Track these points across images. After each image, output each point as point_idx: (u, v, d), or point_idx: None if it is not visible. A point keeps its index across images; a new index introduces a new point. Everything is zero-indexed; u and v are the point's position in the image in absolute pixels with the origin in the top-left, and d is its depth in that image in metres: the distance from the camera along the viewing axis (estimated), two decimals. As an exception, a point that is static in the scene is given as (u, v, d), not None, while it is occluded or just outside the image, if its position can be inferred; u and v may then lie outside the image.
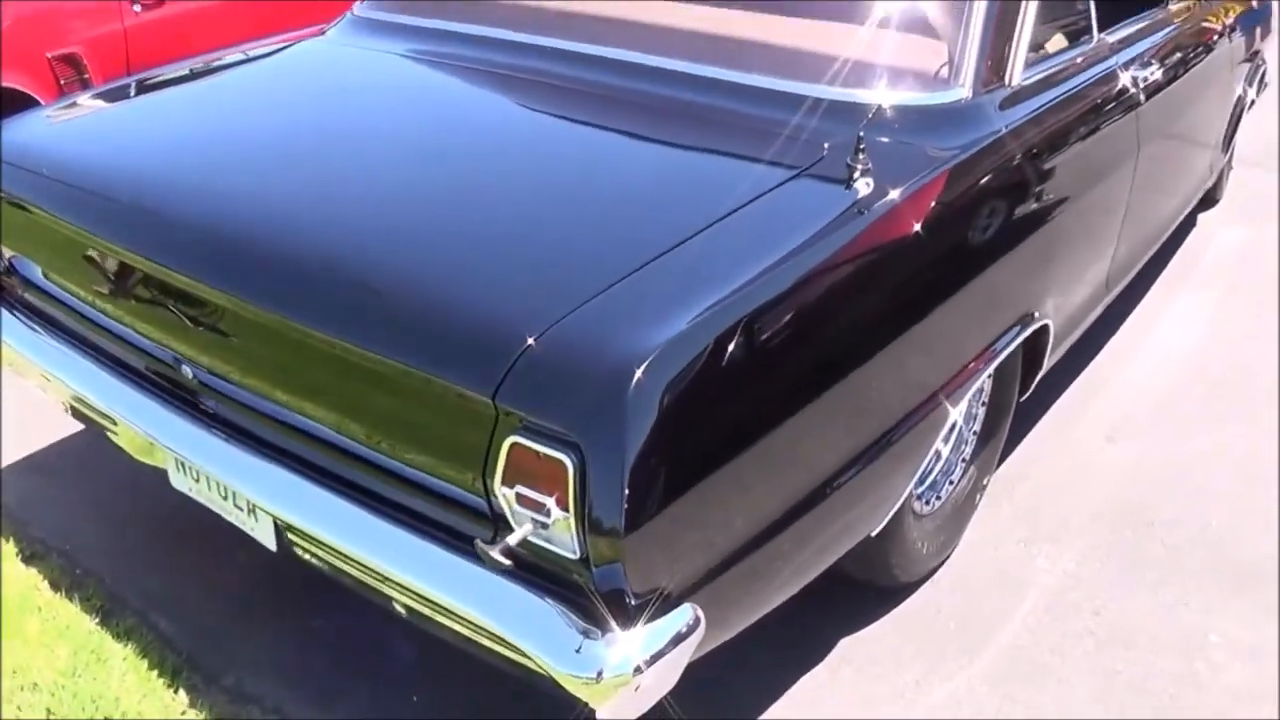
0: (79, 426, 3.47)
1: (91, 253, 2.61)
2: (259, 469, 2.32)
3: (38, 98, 4.45)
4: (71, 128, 2.95)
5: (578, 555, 1.86)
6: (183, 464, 2.50)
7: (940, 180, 2.49)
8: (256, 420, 2.36)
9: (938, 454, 2.94)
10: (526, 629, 1.91)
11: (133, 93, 3.13)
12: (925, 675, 2.73)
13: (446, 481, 2.04)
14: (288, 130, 2.84)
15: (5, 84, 4.34)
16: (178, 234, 2.36)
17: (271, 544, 2.39)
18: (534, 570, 1.95)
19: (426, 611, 2.08)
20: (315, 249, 2.22)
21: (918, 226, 2.36)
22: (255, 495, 2.30)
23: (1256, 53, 5.18)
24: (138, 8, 4.77)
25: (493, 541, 1.93)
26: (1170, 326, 4.41)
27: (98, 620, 2.85)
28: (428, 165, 2.59)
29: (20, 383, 2.99)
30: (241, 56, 3.34)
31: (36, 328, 2.83)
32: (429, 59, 3.15)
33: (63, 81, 4.57)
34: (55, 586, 2.97)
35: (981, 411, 3.08)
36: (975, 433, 3.08)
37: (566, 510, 1.80)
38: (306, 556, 2.30)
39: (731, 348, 1.92)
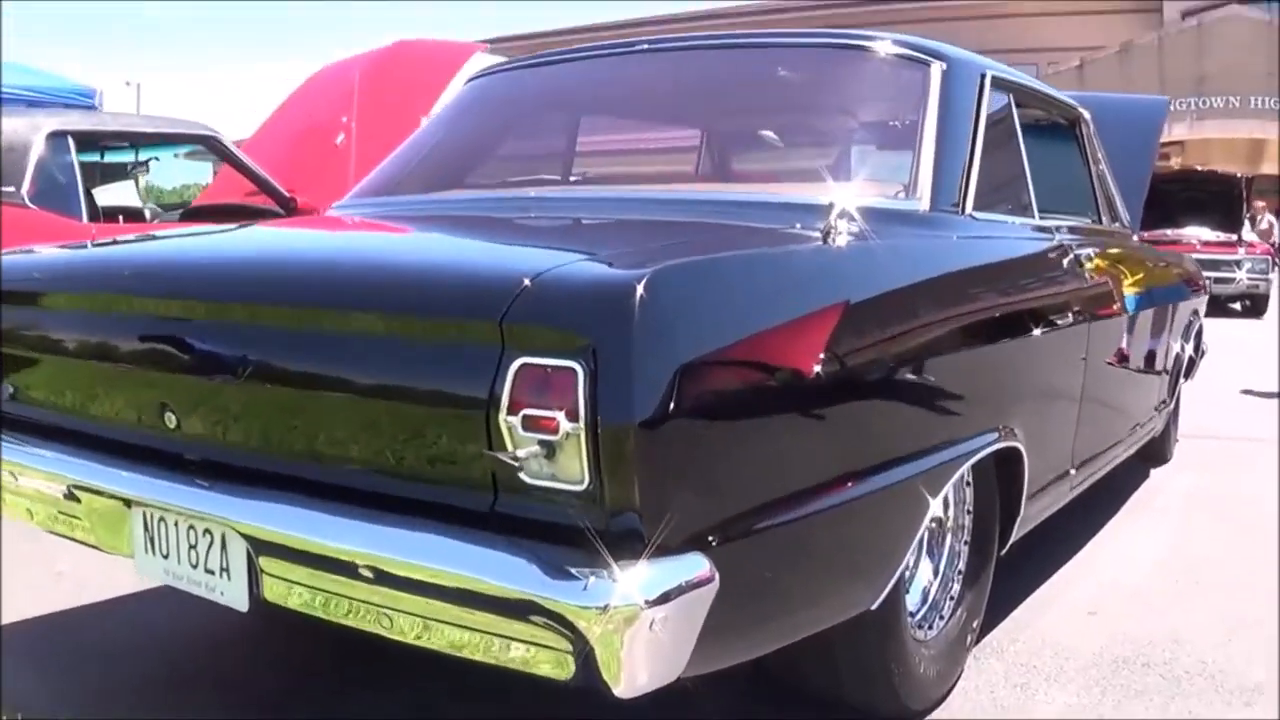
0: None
1: (71, 338, 2.65)
2: (236, 498, 2.24)
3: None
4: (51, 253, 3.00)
5: (585, 483, 1.80)
6: (151, 536, 2.40)
7: (906, 252, 2.69)
8: (238, 448, 2.30)
9: (926, 593, 2.91)
10: (531, 577, 1.82)
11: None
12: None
13: (442, 457, 1.99)
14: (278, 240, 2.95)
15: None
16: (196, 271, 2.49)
17: (244, 601, 2.26)
18: (535, 532, 1.87)
19: (418, 605, 1.96)
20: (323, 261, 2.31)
21: (887, 283, 2.52)
22: (231, 515, 2.21)
23: (1193, 310, 5.53)
24: (94, 230, 4.91)
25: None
26: (1133, 541, 4.47)
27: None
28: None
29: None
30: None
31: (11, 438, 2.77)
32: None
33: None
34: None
35: (965, 550, 3.04)
36: (960, 572, 3.04)
37: (576, 420, 1.77)
38: (285, 592, 2.17)
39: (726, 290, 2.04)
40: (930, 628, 2.90)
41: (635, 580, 1.77)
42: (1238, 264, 14.75)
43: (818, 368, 2.15)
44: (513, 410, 1.83)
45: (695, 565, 1.84)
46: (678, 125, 4.08)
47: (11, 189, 4.64)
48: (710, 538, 1.90)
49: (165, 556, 2.40)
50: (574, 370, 1.77)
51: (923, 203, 2.89)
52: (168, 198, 9.85)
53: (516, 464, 1.83)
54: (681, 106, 3.69)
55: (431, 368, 1.98)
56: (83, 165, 5.07)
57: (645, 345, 1.79)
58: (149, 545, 2.42)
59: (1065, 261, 3.56)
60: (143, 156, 6.13)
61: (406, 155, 3.70)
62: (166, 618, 3.46)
